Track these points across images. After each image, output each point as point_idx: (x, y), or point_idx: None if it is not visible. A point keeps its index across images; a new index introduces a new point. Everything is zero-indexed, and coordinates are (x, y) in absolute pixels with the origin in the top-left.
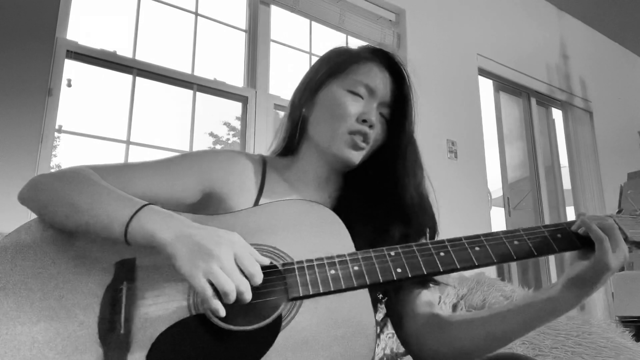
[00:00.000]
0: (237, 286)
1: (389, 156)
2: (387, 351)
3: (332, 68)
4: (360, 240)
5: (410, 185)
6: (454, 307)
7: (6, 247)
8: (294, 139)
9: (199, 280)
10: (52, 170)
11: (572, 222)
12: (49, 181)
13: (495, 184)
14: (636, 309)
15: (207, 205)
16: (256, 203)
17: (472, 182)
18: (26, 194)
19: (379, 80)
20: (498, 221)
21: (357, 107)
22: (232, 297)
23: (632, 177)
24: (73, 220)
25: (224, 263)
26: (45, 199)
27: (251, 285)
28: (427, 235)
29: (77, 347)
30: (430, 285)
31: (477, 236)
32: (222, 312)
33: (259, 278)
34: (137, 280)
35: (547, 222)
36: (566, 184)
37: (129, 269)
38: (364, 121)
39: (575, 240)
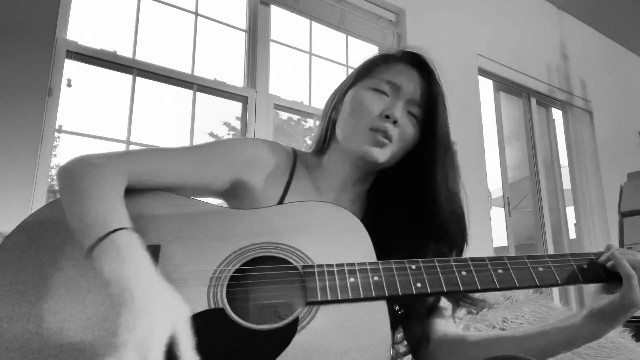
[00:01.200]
0: None
1: (419, 160)
2: None
3: (359, 71)
4: (381, 247)
5: (441, 195)
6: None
7: (32, 224)
8: (324, 142)
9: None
10: (86, 155)
11: (600, 253)
12: (70, 172)
13: (495, 184)
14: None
15: (235, 194)
16: (282, 198)
17: (472, 182)
18: (59, 177)
19: (405, 77)
20: (498, 221)
21: (379, 104)
22: None
23: (632, 177)
24: (67, 218)
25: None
26: (60, 188)
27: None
28: (456, 249)
29: (99, 325)
30: (467, 304)
31: (501, 258)
32: None
33: None
34: (160, 267)
35: (547, 222)
36: (566, 184)
37: (153, 254)
38: (387, 117)
39: (601, 272)
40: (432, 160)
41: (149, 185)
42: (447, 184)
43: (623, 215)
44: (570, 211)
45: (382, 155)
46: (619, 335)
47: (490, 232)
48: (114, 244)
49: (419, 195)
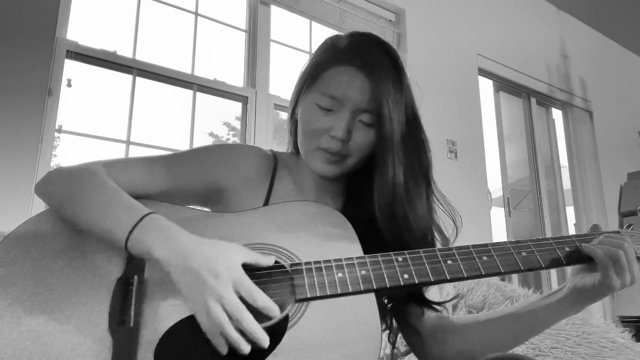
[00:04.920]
0: (239, 320)
1: (375, 162)
2: (387, 351)
3: (310, 75)
4: (363, 238)
5: (382, 196)
6: (454, 307)
7: (22, 235)
8: (293, 141)
9: (200, 317)
10: (68, 165)
11: (582, 236)
12: (62, 179)
13: (495, 184)
14: (636, 309)
15: (218, 200)
16: (266, 201)
17: (472, 182)
18: (42, 188)
19: (346, 85)
20: (498, 221)
21: (325, 122)
22: (236, 340)
23: (632, 177)
24: (79, 221)
25: (223, 298)
26: (57, 197)
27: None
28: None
29: (87, 337)
30: (430, 308)
31: (485, 245)
32: (224, 351)
33: (260, 301)
34: (147, 274)
35: (547, 222)
36: (566, 184)
37: (139, 263)
38: (334, 136)
39: (583, 254)
40: (381, 161)
41: (131, 194)
42: (393, 184)
43: (623, 215)
44: (570, 211)
45: (338, 170)
46: (619, 335)
47: (490, 232)
48: (151, 226)
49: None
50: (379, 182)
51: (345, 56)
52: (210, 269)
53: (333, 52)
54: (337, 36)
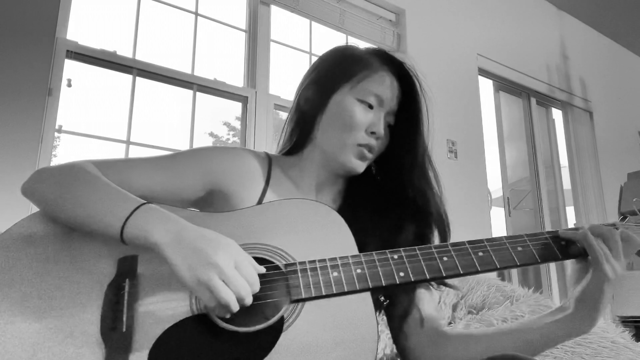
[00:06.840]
0: (238, 292)
1: (393, 161)
2: (387, 351)
3: (345, 73)
4: (363, 237)
5: (414, 189)
6: (454, 307)
7: (8, 240)
8: (299, 138)
9: (202, 293)
10: (55, 164)
11: (575, 229)
12: (50, 175)
13: (495, 184)
14: (636, 309)
15: (211, 202)
16: (260, 201)
17: (472, 182)
18: (28, 187)
19: (389, 90)
20: (498, 221)
21: (367, 118)
22: (234, 308)
23: (632, 177)
24: (72, 216)
25: (224, 270)
26: (46, 193)
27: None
28: (436, 237)
29: (78, 344)
30: (437, 287)
31: (481, 241)
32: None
33: (257, 286)
34: (139, 278)
35: (547, 222)
36: (566, 184)
37: (131, 266)
38: (373, 133)
39: (578, 247)
40: (408, 161)
41: None
42: (423, 179)
43: (623, 215)
44: (570, 211)
45: (364, 166)
46: (619, 335)
47: (491, 232)
48: (149, 214)
49: (389, 190)
50: (417, 177)
51: (383, 62)
52: (211, 245)
53: (366, 58)
54: (357, 46)
